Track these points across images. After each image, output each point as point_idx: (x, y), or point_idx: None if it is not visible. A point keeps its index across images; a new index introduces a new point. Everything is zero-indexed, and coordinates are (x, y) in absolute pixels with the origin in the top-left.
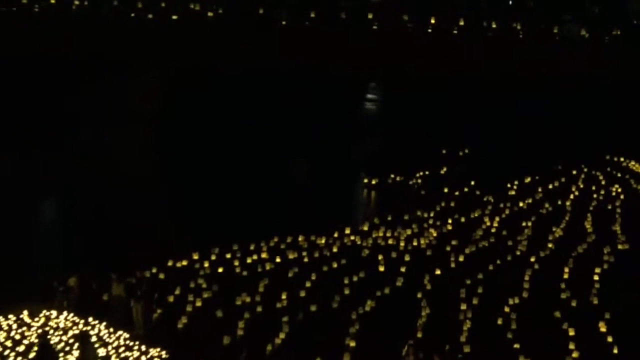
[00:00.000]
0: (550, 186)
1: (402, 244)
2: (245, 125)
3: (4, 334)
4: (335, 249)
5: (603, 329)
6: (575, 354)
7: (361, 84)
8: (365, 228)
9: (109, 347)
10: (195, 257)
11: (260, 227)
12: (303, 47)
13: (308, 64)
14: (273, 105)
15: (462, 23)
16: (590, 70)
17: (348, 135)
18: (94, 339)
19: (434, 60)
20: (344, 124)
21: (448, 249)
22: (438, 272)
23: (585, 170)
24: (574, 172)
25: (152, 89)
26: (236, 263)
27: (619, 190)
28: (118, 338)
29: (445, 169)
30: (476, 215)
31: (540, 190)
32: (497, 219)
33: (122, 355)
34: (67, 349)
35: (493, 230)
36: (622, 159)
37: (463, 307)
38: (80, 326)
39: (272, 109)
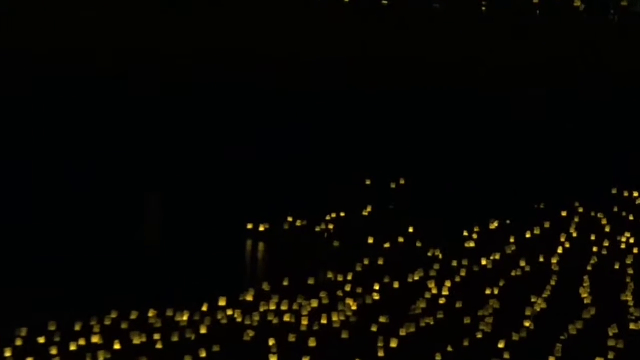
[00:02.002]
0: (529, 235)
1: (304, 322)
2: (69, 144)
3: None
4: (203, 330)
5: None
6: None
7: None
8: (249, 298)
9: None
10: None
11: (91, 298)
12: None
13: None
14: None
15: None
16: (587, 64)
17: (221, 158)
18: None
19: (351, 45)
20: (213, 142)
21: (374, 329)
22: None
23: (581, 210)
24: (564, 214)
25: None
26: (54, 351)
27: (631, 241)
28: None
29: (369, 209)
30: (416, 278)
31: (512, 240)
32: (447, 284)
33: None
34: None
35: (442, 301)
36: (635, 194)
37: None
38: None
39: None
